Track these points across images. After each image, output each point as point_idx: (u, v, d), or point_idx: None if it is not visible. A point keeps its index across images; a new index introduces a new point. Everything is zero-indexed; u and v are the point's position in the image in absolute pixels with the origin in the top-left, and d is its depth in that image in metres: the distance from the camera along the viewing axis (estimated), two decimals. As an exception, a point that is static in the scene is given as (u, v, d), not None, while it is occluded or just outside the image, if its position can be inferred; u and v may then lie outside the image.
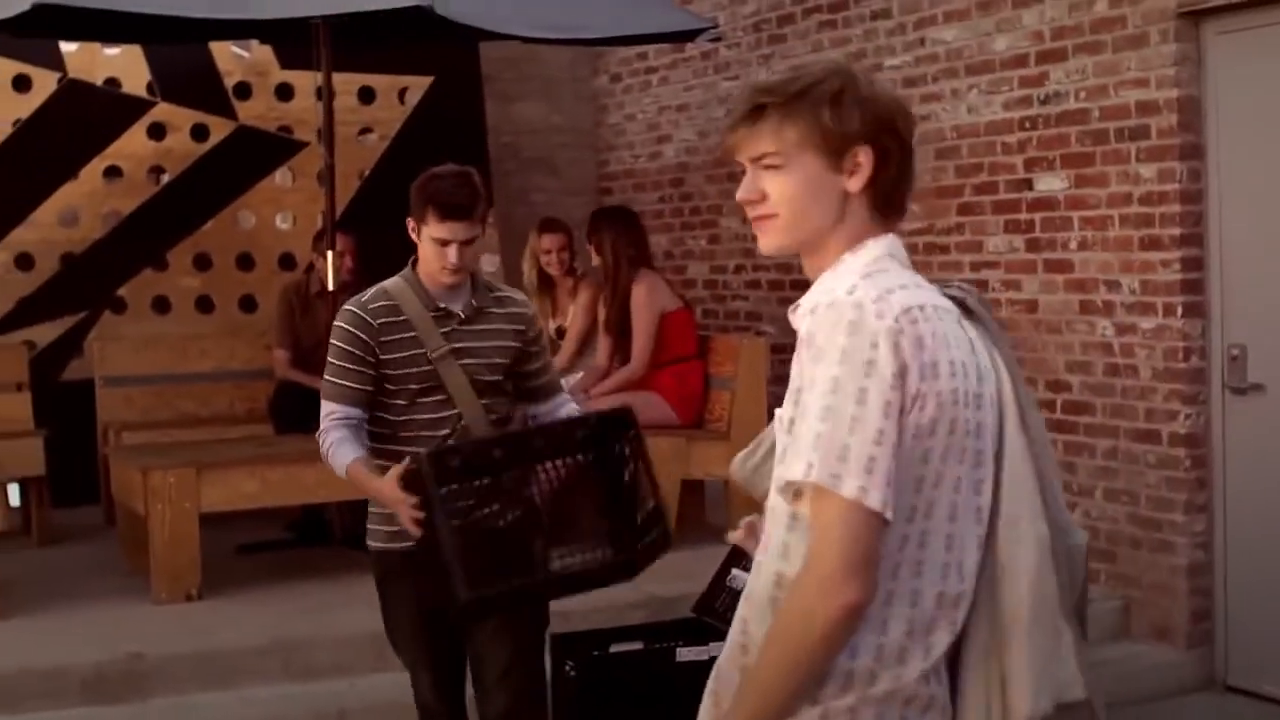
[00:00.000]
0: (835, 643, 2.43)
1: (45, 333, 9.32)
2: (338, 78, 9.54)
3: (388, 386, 4.57)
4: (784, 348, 9.12)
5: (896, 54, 8.41)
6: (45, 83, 9.35)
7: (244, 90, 9.83)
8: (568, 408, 4.86)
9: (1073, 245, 7.42)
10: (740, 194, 2.66)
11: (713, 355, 8.11)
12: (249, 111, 9.82)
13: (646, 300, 7.92)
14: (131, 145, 9.55)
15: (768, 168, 2.60)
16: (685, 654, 5.89)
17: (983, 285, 7.87)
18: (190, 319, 9.68)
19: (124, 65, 9.56)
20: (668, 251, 10.49)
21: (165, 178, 9.76)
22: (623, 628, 6.11)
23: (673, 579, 6.61)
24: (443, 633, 4.63)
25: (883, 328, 2.44)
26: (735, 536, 3.12)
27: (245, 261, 9.83)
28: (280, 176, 10.01)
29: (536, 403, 4.84)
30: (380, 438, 4.63)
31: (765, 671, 2.48)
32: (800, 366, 2.50)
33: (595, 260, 8.25)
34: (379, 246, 9.07)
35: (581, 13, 7.98)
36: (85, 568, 7.61)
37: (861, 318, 2.44)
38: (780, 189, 2.60)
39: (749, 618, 2.62)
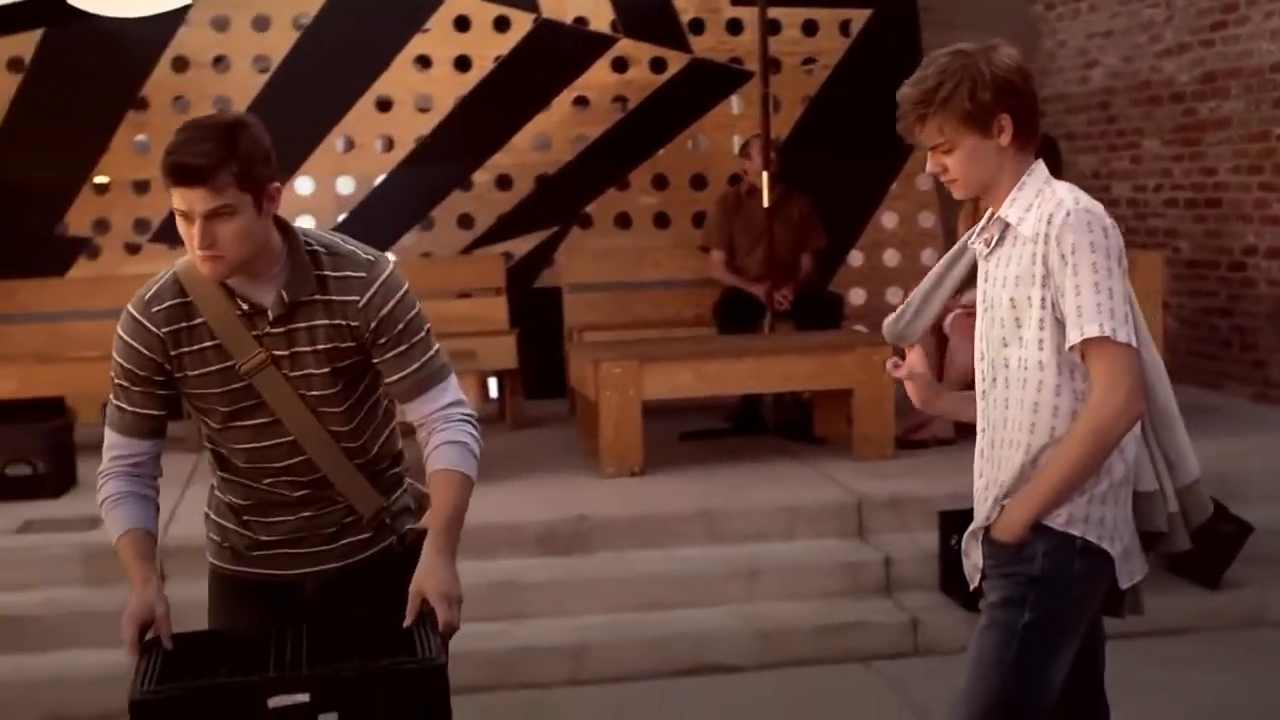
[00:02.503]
0: (1118, 444, 3.44)
1: (520, 245, 10.52)
2: (784, 11, 10.48)
3: (193, 404, 3.57)
4: (1198, 263, 9.58)
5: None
6: (522, 23, 10.46)
7: (698, 25, 10.71)
8: (441, 401, 3.59)
9: None
10: (929, 169, 3.61)
11: (1114, 268, 8.58)
12: (702, 45, 10.71)
13: None
14: (597, 77, 10.58)
15: (943, 150, 3.54)
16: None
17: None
18: (648, 233, 10.71)
19: (590, 5, 10.58)
20: (1095, 171, 10.95)
21: (627, 106, 10.73)
22: (1005, 507, 6.79)
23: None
24: None
25: (1108, 222, 3.48)
26: (898, 372, 3.90)
27: (698, 182, 10.77)
28: (731, 104, 10.91)
29: (402, 401, 3.63)
30: (221, 461, 3.67)
31: (1065, 466, 3.43)
32: (1031, 260, 3.48)
33: None
34: (821, 167, 10.01)
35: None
36: (548, 448, 8.76)
37: (1096, 218, 3.47)
38: (955, 163, 3.55)
39: (1032, 439, 3.53)
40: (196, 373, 3.47)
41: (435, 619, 3.31)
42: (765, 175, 8.83)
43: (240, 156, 3.29)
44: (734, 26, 10.76)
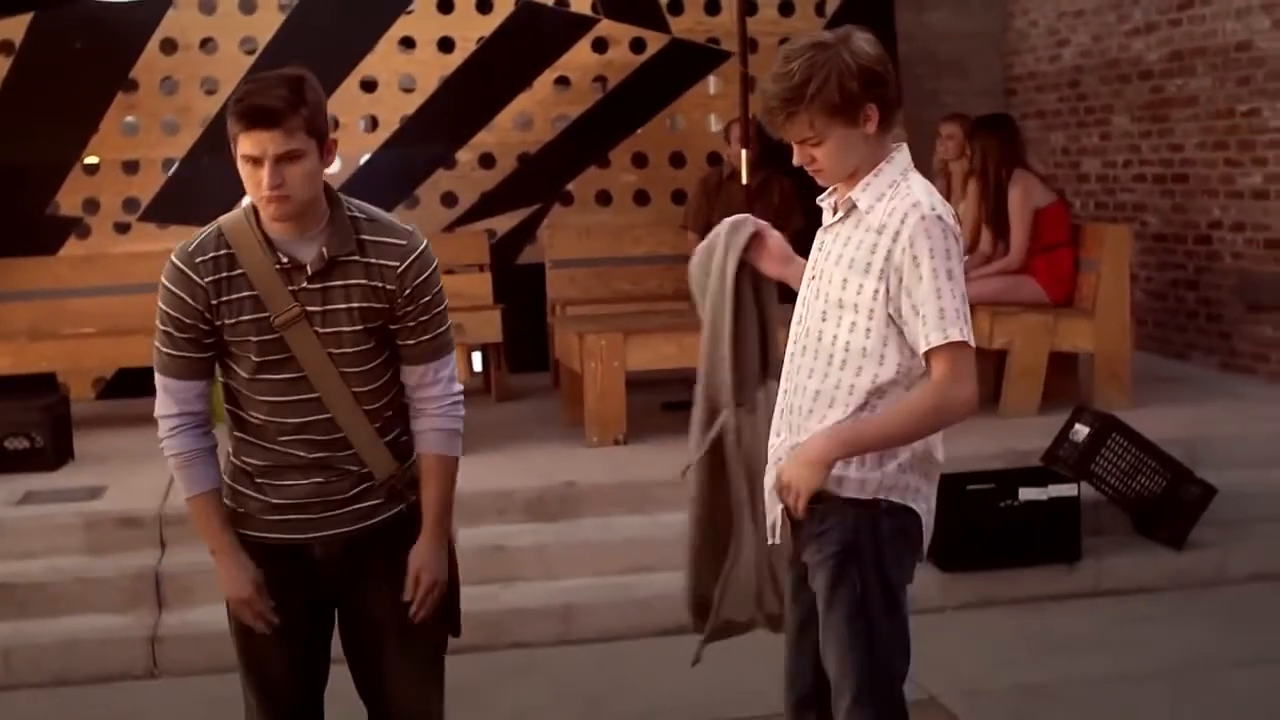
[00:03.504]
0: (941, 429, 3.69)
1: (503, 222, 10.72)
2: (761, -8, 10.65)
3: (229, 351, 3.69)
4: (1165, 236, 9.81)
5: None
6: (504, 5, 10.63)
7: (676, 6, 10.90)
8: (441, 383, 3.81)
9: None
10: (796, 160, 3.69)
11: (1083, 241, 8.82)
12: (681, 25, 10.91)
13: (1021, 200, 8.73)
14: (578, 58, 10.77)
15: (811, 144, 3.62)
16: (1026, 493, 6.84)
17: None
18: (628, 210, 10.90)
19: (571, -14, 10.82)
20: (1064, 148, 11.20)
21: (608, 86, 10.93)
22: (978, 472, 7.03)
23: (1034, 435, 7.59)
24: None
25: (957, 230, 3.60)
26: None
27: (677, 160, 10.98)
28: (709, 84, 11.11)
29: (405, 363, 3.78)
30: (232, 395, 3.78)
31: (895, 424, 3.61)
32: (872, 250, 3.62)
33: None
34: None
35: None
36: (532, 419, 8.97)
37: (948, 226, 3.56)
38: (823, 154, 3.63)
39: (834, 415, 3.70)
40: (233, 320, 3.61)
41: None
42: (745, 155, 9.01)
43: (309, 104, 3.52)
44: (712, 7, 10.96)
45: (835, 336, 3.66)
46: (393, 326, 3.72)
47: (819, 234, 3.80)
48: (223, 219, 3.68)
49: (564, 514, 7.21)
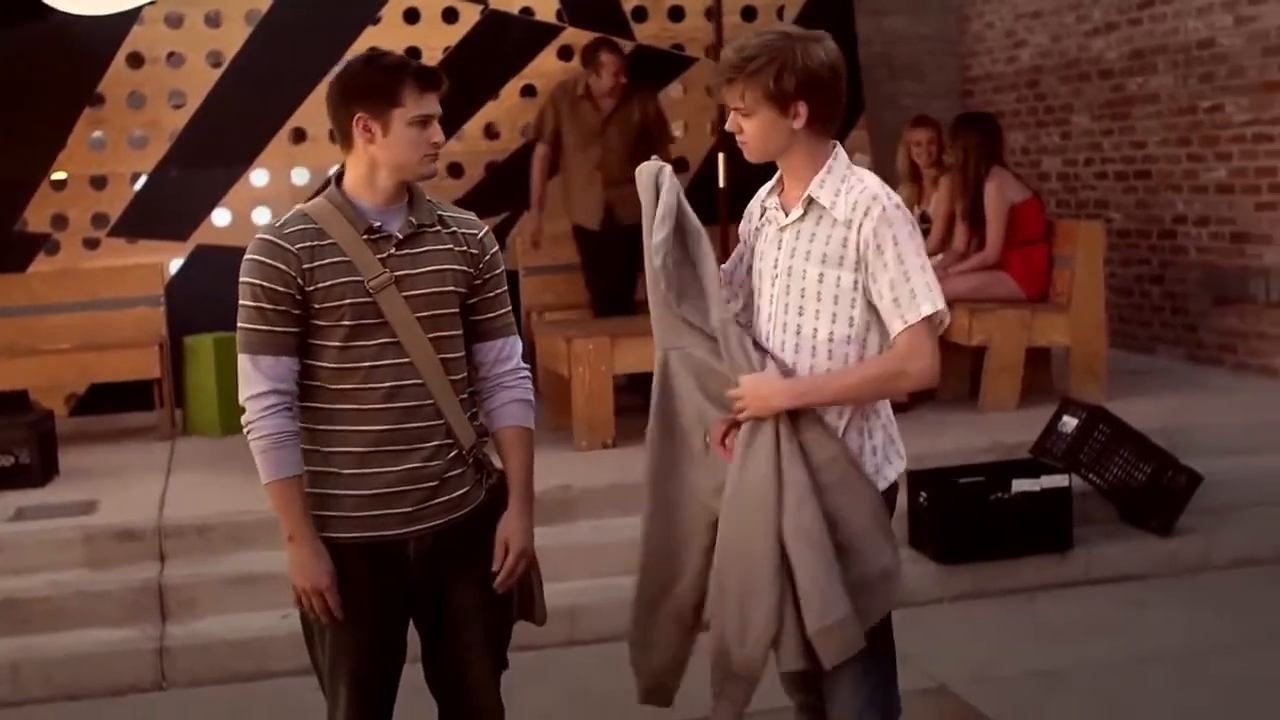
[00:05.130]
0: (899, 394, 3.99)
1: (474, 231, 10.72)
2: (723, -2, 10.74)
3: (316, 325, 3.77)
4: (1129, 232, 9.97)
5: (1227, -40, 9.14)
6: (470, 14, 10.66)
7: (640, 13, 10.96)
8: (515, 359, 4.05)
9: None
10: (728, 126, 3.92)
11: (1057, 238, 8.97)
12: (645, 32, 10.96)
13: (997, 196, 8.86)
14: (544, 66, 10.78)
15: (742, 114, 3.86)
16: (1019, 485, 6.96)
17: (1305, 169, 8.62)
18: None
19: (536, -5, 10.88)
20: (1024, 148, 11.36)
21: (573, 93, 11.00)
22: (971, 465, 7.17)
23: (1017, 429, 7.72)
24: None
25: (910, 216, 3.84)
26: None
27: (645, 165, 11.03)
28: (673, 89, 11.19)
29: (480, 341, 3.98)
30: (314, 388, 3.84)
31: (854, 385, 3.83)
32: (842, 243, 3.80)
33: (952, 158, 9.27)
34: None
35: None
36: (517, 424, 9.00)
37: (905, 213, 3.80)
38: (749, 128, 3.87)
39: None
40: (327, 283, 3.75)
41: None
42: (722, 158, 9.09)
43: None
44: (676, 14, 11.03)
45: (816, 329, 3.85)
46: (471, 300, 3.94)
47: (773, 232, 3.95)
48: (302, 205, 3.91)
49: (560, 517, 7.24)
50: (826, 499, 3.79)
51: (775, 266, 3.92)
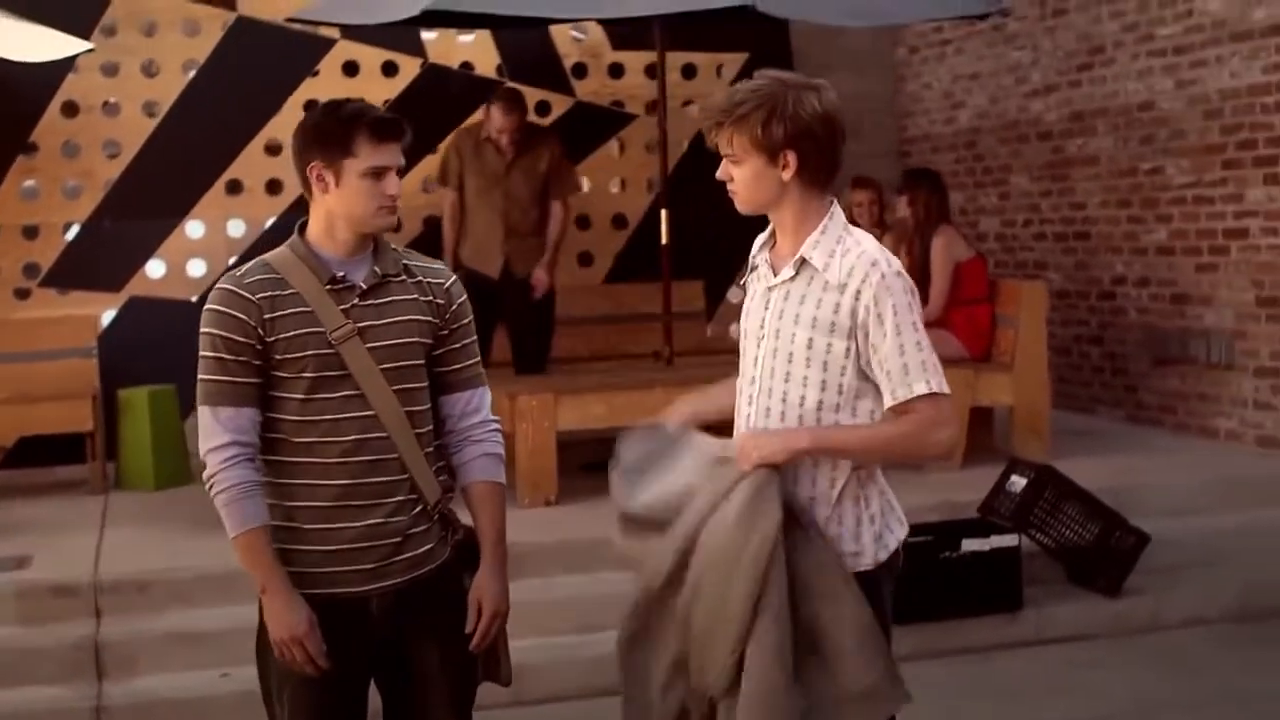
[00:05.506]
0: (914, 460, 3.92)
1: (413, 285, 10.62)
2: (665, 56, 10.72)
3: (278, 376, 3.69)
4: (1069, 293, 10.01)
5: (1167, 24, 9.22)
6: (410, 68, 10.63)
7: (580, 70, 10.97)
8: (484, 411, 3.92)
9: (1330, 195, 8.17)
10: (719, 174, 3.75)
11: (1000, 297, 8.99)
12: (585, 89, 10.97)
13: (944, 252, 8.89)
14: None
15: (731, 161, 3.71)
16: (969, 544, 6.93)
17: (1243, 233, 8.67)
18: (537, 273, 10.90)
19: (476, 51, 10.79)
20: (962, 208, 11.39)
21: (513, 148, 10.95)
22: (919, 524, 7.08)
23: (963, 488, 7.70)
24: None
25: (910, 285, 3.68)
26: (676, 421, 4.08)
27: (583, 222, 10.98)
28: (612, 146, 11.17)
29: (448, 393, 3.88)
30: (275, 442, 3.74)
31: (871, 442, 3.68)
32: (835, 309, 3.65)
33: (904, 211, 9.26)
34: (706, 202, 10.26)
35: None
36: (457, 481, 8.88)
37: (905, 280, 3.65)
38: (739, 176, 3.72)
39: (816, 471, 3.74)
40: (290, 334, 3.66)
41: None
42: (665, 214, 9.03)
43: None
44: (615, 71, 11.03)
45: (804, 397, 3.70)
46: (437, 351, 3.84)
47: (762, 290, 3.83)
48: (264, 256, 3.80)
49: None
50: (807, 609, 3.63)
51: (762, 327, 3.78)
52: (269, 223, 10.46)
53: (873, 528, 3.76)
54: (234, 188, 10.42)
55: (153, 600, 6.89)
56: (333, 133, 3.70)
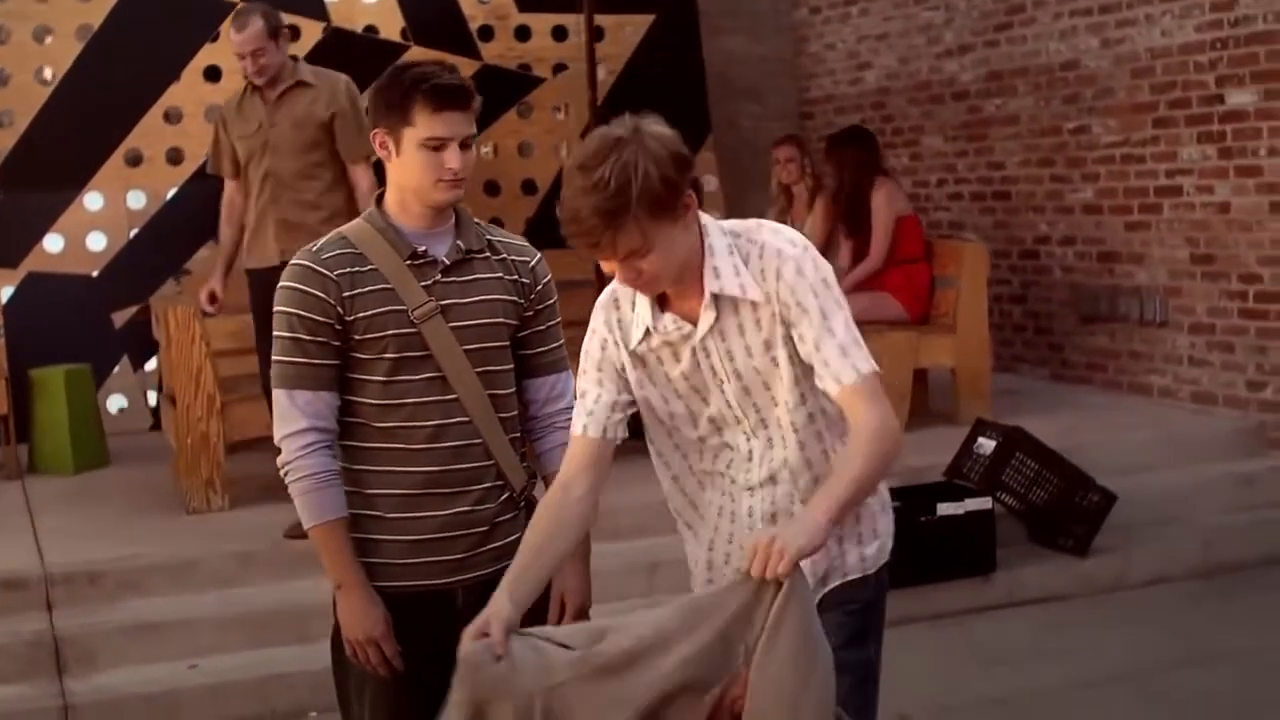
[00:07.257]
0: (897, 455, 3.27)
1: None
2: (569, 18, 10.58)
3: (357, 358, 3.49)
4: (993, 252, 10.01)
5: (1095, -19, 9.23)
6: (312, 31, 10.33)
7: (486, 32, 10.75)
8: (567, 396, 3.68)
9: (1263, 152, 8.20)
10: (620, 280, 3.26)
11: (937, 258, 8.96)
12: (491, 52, 10.75)
13: (886, 203, 8.84)
14: (388, 85, 10.51)
15: (639, 256, 3.15)
16: (944, 508, 6.89)
17: (1176, 190, 8.72)
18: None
19: (380, 14, 10.54)
20: (871, 169, 11.35)
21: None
22: (891, 489, 7.05)
23: (912, 453, 7.61)
24: None
25: (820, 258, 3.31)
26: None
27: (492, 188, 10.78)
28: (519, 110, 10.96)
29: (531, 377, 3.68)
30: (355, 426, 3.55)
31: (863, 473, 3.13)
32: (772, 319, 3.27)
33: (831, 181, 9.22)
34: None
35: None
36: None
37: (809, 253, 3.29)
38: (650, 263, 3.16)
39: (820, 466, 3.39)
40: (370, 313, 3.45)
41: None
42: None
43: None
44: (522, 33, 10.83)
45: (781, 420, 3.38)
46: (522, 333, 3.63)
47: (686, 352, 3.34)
48: (342, 228, 3.58)
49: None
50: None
51: (714, 376, 3.34)
52: (170, 194, 10.11)
53: (876, 540, 3.56)
54: (133, 158, 10.04)
55: (105, 591, 6.60)
56: (392, 99, 3.46)
